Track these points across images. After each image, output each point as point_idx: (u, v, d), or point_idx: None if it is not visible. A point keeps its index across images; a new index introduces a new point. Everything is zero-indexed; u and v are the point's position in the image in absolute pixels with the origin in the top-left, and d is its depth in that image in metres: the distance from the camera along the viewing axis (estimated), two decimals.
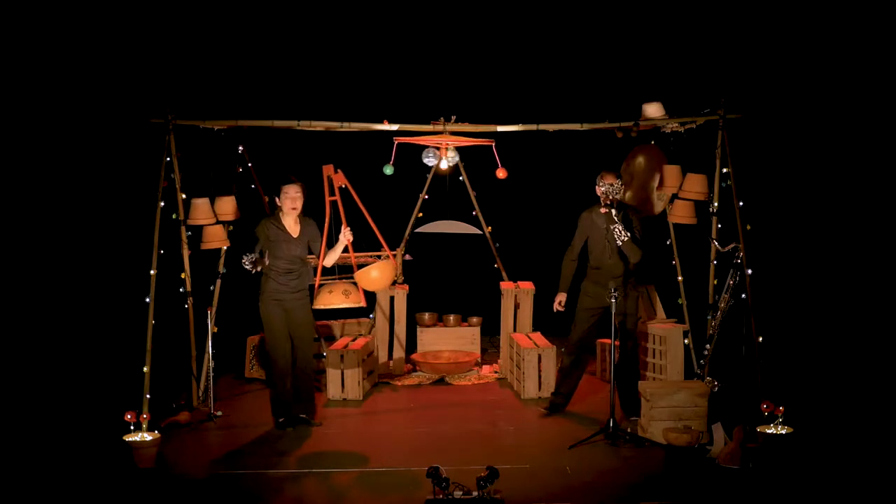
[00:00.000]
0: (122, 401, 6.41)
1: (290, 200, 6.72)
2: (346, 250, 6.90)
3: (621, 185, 6.76)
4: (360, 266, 6.98)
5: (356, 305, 6.86)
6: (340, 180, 6.81)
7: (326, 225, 6.75)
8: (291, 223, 6.79)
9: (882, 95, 8.21)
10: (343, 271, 7.02)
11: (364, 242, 8.36)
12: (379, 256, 8.11)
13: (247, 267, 6.52)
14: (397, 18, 9.24)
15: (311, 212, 6.90)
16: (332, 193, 6.80)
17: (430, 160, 7.69)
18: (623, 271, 6.78)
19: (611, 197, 6.70)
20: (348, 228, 6.77)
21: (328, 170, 6.83)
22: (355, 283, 6.84)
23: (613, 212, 6.64)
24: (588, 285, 6.97)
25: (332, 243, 6.84)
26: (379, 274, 6.83)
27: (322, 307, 6.77)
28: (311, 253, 6.87)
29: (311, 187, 6.90)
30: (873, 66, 8.27)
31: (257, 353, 8.40)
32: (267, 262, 6.65)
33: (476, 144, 7.53)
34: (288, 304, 6.76)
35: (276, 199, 6.79)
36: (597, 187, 6.79)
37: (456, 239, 9.01)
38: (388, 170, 7.31)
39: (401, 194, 8.98)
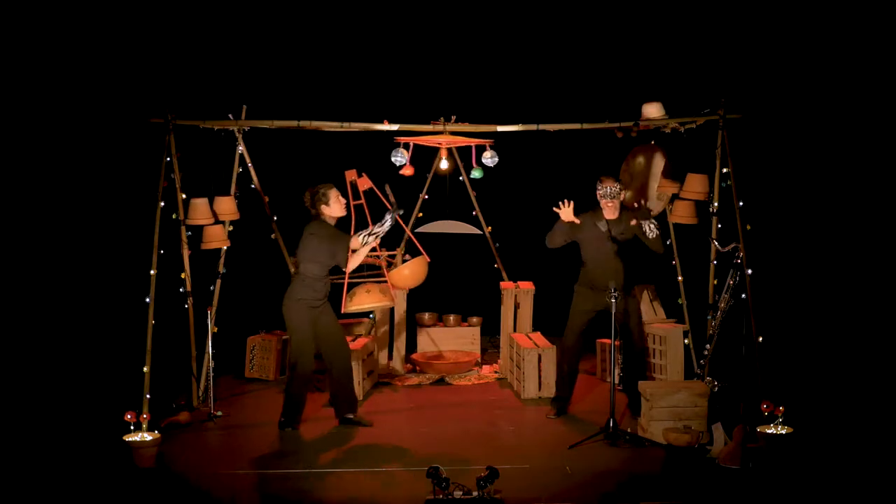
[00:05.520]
0: (122, 401, 6.41)
1: (341, 207, 6.70)
2: (373, 251, 6.93)
3: (620, 188, 6.83)
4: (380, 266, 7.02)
5: (391, 304, 6.89)
6: (365, 183, 6.81)
7: (353, 229, 6.74)
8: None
9: (881, 95, 8.21)
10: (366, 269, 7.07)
11: (393, 243, 8.37)
12: (393, 256, 8.14)
13: (387, 225, 6.51)
14: (398, 19, 9.24)
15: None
16: (356, 198, 6.79)
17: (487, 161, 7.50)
18: (622, 273, 6.80)
19: (608, 200, 6.79)
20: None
21: (351, 174, 6.82)
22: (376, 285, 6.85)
23: (647, 209, 6.82)
24: (582, 288, 7.00)
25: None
26: (410, 272, 6.93)
27: (359, 308, 6.73)
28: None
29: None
30: (873, 66, 8.27)
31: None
32: (401, 212, 6.64)
33: (475, 144, 7.53)
34: (317, 310, 6.73)
35: (320, 206, 6.68)
36: (597, 192, 6.85)
37: (456, 239, 9.01)
38: (477, 173, 7.34)
39: (400, 194, 8.97)
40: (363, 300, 6.69)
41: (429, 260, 6.96)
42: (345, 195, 6.77)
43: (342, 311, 6.81)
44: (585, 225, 6.87)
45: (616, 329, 6.52)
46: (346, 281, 6.73)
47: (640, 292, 8.20)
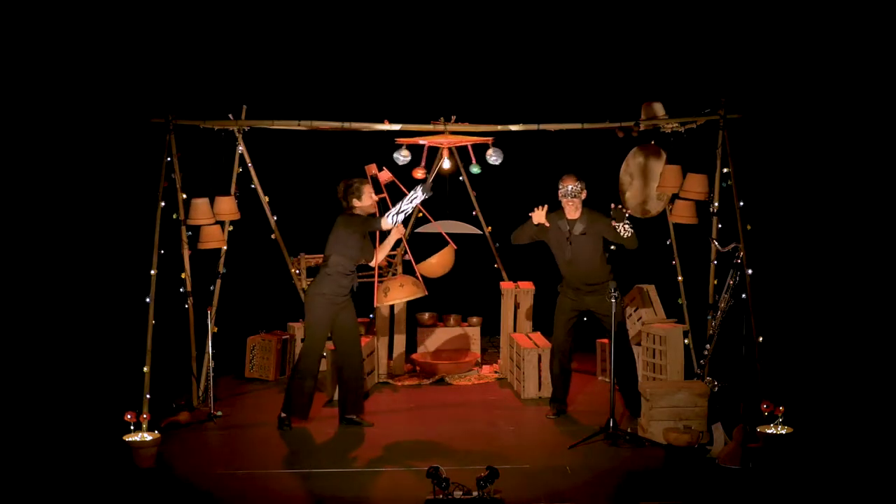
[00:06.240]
0: (122, 401, 6.42)
1: (373, 202, 6.72)
2: (399, 245, 6.96)
3: (581, 187, 6.81)
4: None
5: (425, 294, 6.94)
6: (387, 177, 6.85)
7: None
8: None
9: (881, 95, 8.21)
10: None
11: (415, 235, 8.38)
12: (392, 257, 8.17)
13: (417, 200, 6.43)
14: (398, 19, 9.24)
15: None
16: (378, 191, 6.82)
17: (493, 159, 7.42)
18: (594, 272, 6.82)
19: (569, 199, 6.79)
20: (400, 223, 6.79)
21: (371, 169, 6.86)
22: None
23: (623, 210, 6.76)
24: (563, 288, 7.05)
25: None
26: (437, 261, 7.12)
27: (395, 301, 6.77)
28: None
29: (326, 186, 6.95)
30: (873, 66, 8.27)
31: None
32: (431, 192, 6.57)
33: (475, 144, 7.52)
34: (339, 306, 6.73)
35: (352, 199, 6.67)
36: (558, 191, 6.85)
37: (456, 239, 9.01)
38: (476, 169, 7.33)
39: (400, 195, 8.97)
40: (398, 294, 6.71)
41: (455, 248, 7.08)
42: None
43: (375, 306, 6.88)
44: (551, 226, 6.90)
45: (614, 329, 6.52)
46: (376, 277, 6.82)
47: (640, 292, 8.21)
